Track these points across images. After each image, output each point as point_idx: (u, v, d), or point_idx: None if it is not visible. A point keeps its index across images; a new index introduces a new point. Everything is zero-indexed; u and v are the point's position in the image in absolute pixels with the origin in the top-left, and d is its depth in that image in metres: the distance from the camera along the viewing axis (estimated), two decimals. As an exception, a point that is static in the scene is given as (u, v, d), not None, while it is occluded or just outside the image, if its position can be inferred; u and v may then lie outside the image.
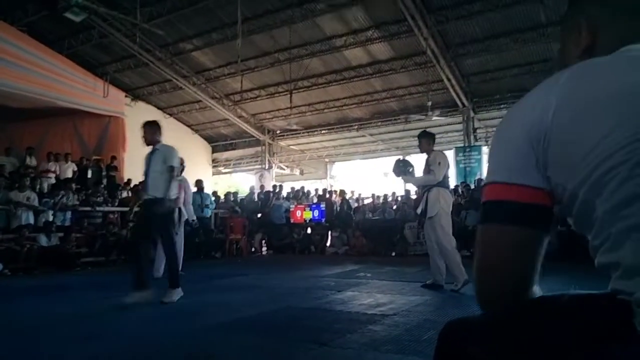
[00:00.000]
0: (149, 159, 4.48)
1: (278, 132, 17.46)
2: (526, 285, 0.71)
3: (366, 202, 12.78)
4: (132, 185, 10.98)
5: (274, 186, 13.68)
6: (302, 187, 14.32)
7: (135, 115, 11.64)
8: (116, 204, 10.24)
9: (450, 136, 15.35)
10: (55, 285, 5.88)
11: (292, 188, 14.31)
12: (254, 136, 17.23)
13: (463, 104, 13.03)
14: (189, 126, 17.40)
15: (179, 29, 11.37)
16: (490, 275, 0.71)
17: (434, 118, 13.13)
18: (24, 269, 7.35)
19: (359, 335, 2.93)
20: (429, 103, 12.08)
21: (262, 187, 14.31)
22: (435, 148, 5.16)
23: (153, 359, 2.62)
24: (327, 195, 12.83)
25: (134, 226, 5.20)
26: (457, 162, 13.49)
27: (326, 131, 16.41)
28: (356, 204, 12.63)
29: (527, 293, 0.71)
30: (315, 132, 16.63)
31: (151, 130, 4.52)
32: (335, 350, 2.62)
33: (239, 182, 23.72)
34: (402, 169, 5.05)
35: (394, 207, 11.54)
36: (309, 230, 12.04)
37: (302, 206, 12.30)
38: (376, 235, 10.55)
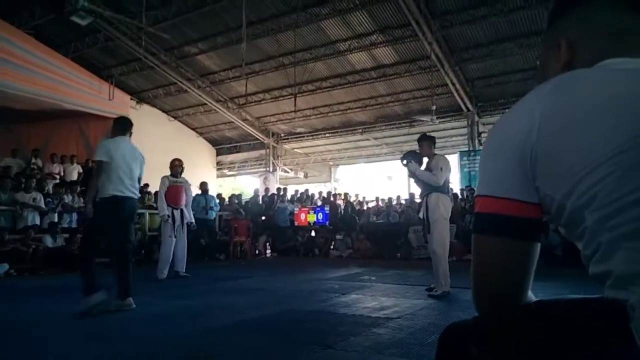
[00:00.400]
0: None
1: (282, 135, 17.52)
2: (520, 290, 0.72)
3: (370, 205, 12.78)
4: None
5: (278, 189, 13.71)
6: (306, 190, 14.31)
7: (141, 118, 11.66)
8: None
9: (455, 140, 15.36)
10: (61, 285, 5.90)
11: (296, 191, 14.30)
12: (258, 139, 17.29)
13: (467, 108, 13.04)
14: (193, 129, 17.50)
15: (184, 33, 11.43)
16: (485, 282, 0.73)
17: (438, 122, 13.13)
18: (29, 270, 7.39)
19: (363, 338, 2.93)
20: (434, 107, 12.07)
21: (266, 189, 14.32)
22: (439, 152, 5.16)
23: (156, 359, 2.64)
24: (331, 199, 12.83)
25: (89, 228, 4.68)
26: (462, 167, 13.49)
27: (330, 134, 16.46)
28: (359, 207, 12.63)
29: (521, 298, 0.73)
30: (320, 136, 16.69)
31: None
32: (339, 353, 2.62)
33: (243, 184, 23.81)
34: (412, 157, 5.03)
35: (398, 210, 11.53)
36: (313, 233, 12.05)
37: (307, 209, 12.31)
38: (380, 239, 10.53)
